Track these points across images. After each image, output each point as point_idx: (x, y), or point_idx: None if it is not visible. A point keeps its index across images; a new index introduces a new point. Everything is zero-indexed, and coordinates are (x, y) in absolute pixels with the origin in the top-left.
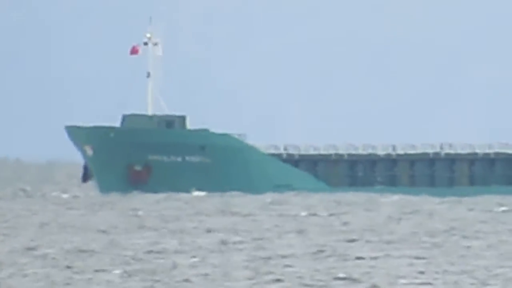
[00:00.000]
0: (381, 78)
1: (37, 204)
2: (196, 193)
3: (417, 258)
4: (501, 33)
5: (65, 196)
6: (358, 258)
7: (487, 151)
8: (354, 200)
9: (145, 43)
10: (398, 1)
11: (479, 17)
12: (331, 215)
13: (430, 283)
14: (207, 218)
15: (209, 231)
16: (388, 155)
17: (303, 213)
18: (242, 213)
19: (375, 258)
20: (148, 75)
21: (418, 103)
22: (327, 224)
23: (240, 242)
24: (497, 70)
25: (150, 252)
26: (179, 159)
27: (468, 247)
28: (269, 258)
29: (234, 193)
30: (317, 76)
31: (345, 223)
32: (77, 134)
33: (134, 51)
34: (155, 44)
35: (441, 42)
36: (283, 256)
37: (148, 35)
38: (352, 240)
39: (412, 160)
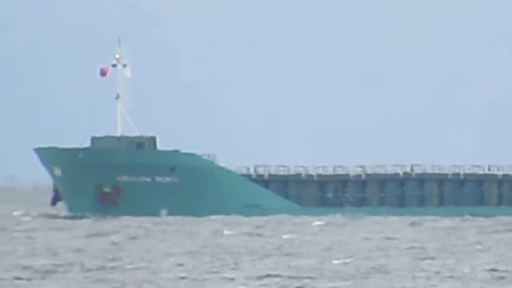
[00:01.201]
0: (352, 99)
1: None
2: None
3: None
4: (470, 57)
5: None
6: None
7: (457, 171)
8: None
9: (114, 65)
10: (387, 20)
11: (453, 41)
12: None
13: None
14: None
15: None
16: (358, 175)
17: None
18: None
19: None
20: (117, 96)
21: (393, 123)
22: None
23: None
24: (476, 90)
25: None
26: (149, 180)
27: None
28: None
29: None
30: (288, 96)
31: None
32: (46, 155)
33: (103, 73)
34: (124, 65)
35: (417, 62)
36: None
37: (117, 56)
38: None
39: (382, 181)
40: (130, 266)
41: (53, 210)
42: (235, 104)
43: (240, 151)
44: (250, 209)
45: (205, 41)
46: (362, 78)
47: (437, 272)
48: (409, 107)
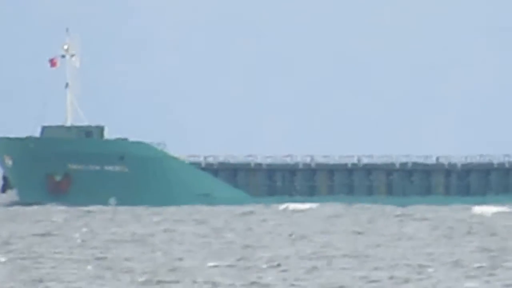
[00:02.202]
0: (323, 87)
1: None
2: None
3: None
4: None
5: None
6: None
7: (404, 161)
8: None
9: (63, 56)
10: (363, 10)
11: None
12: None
13: None
14: None
15: None
16: (307, 164)
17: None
18: None
19: None
20: (66, 86)
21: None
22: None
23: None
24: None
25: None
26: (98, 168)
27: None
28: None
29: None
30: (239, 84)
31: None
32: None
33: (52, 63)
34: (72, 55)
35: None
36: None
37: (66, 46)
38: None
39: (331, 170)
40: None
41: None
42: (192, 95)
43: (190, 140)
44: (200, 198)
45: (176, 31)
46: (331, 67)
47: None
48: (384, 96)
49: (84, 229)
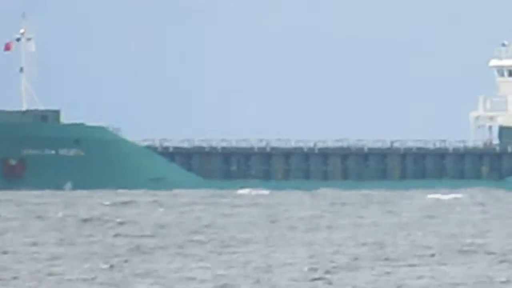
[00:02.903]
0: (283, 72)
1: None
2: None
3: None
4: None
5: None
6: None
7: (360, 145)
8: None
9: (18, 39)
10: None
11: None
12: None
13: None
14: None
15: None
16: (262, 148)
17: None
18: None
19: None
20: (21, 70)
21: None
22: None
23: None
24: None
25: None
26: (53, 152)
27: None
28: None
29: None
30: (194, 68)
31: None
32: None
33: (7, 47)
34: (28, 39)
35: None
36: None
37: (22, 30)
38: None
39: (286, 154)
40: None
41: None
42: (148, 80)
43: (146, 124)
44: (154, 182)
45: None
46: (287, 49)
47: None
48: (339, 81)
49: None
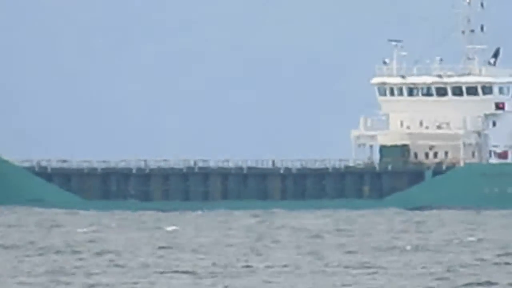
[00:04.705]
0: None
1: None
2: None
3: None
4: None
5: None
6: None
7: (240, 165)
8: None
9: None
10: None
11: None
12: None
13: None
14: None
15: None
16: (141, 169)
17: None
18: None
19: None
20: None
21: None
22: None
23: None
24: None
25: None
26: None
27: None
28: None
29: None
30: (74, 89)
31: None
32: None
33: None
34: None
35: None
36: None
37: None
38: None
39: (166, 175)
40: None
41: None
42: (30, 101)
43: (25, 145)
44: (33, 203)
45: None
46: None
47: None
48: (211, 102)
49: None
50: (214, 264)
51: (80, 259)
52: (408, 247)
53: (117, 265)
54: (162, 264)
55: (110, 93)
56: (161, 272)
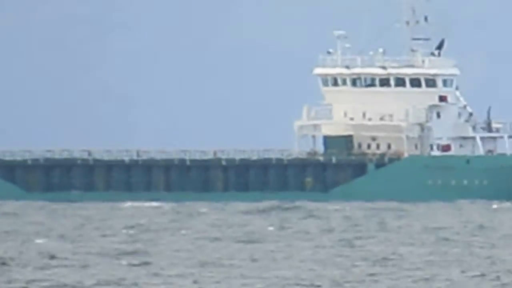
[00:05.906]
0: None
1: None
2: None
3: None
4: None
5: None
6: None
7: (183, 157)
8: None
9: None
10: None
11: None
12: None
13: None
14: None
15: None
16: (85, 160)
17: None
18: None
19: None
20: None
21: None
22: None
23: None
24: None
25: None
26: None
27: None
28: None
29: None
30: (28, 80)
31: None
32: None
33: None
34: None
35: None
36: None
37: None
38: None
39: (109, 166)
40: None
41: None
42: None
43: None
44: None
45: None
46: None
47: None
48: (174, 91)
49: None
50: None
51: None
52: None
53: None
54: None
55: (85, 85)
56: None
